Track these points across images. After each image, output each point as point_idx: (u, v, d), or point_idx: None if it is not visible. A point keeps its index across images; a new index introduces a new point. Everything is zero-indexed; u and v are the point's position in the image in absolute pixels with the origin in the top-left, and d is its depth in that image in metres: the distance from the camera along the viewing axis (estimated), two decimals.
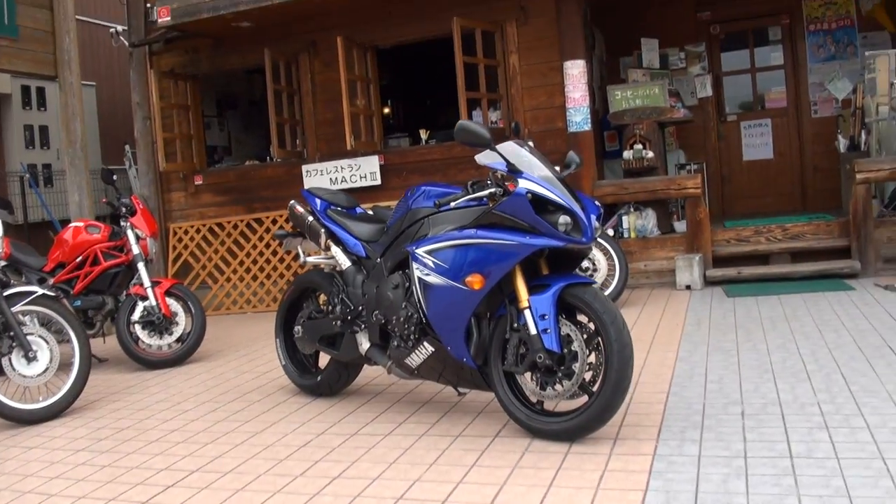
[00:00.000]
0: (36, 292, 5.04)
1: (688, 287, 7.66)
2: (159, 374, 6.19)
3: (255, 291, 9.42)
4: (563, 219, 3.60)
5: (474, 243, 3.73)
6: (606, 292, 6.96)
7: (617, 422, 3.83)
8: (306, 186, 8.55)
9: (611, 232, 8.08)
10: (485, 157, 3.82)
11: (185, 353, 6.45)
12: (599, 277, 6.98)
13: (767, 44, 10.13)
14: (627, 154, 8.27)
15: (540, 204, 3.62)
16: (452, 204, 3.91)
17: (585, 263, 6.96)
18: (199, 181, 9.86)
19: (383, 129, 9.27)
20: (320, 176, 9.05)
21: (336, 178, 8.99)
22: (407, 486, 3.31)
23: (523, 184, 3.64)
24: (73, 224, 6.69)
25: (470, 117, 8.15)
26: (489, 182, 3.83)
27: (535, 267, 3.84)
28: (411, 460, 3.63)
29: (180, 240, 9.83)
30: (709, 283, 7.79)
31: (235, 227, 9.54)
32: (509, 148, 3.79)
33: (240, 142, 12.42)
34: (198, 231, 9.74)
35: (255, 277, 9.40)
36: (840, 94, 9.47)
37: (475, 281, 3.69)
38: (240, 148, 12.24)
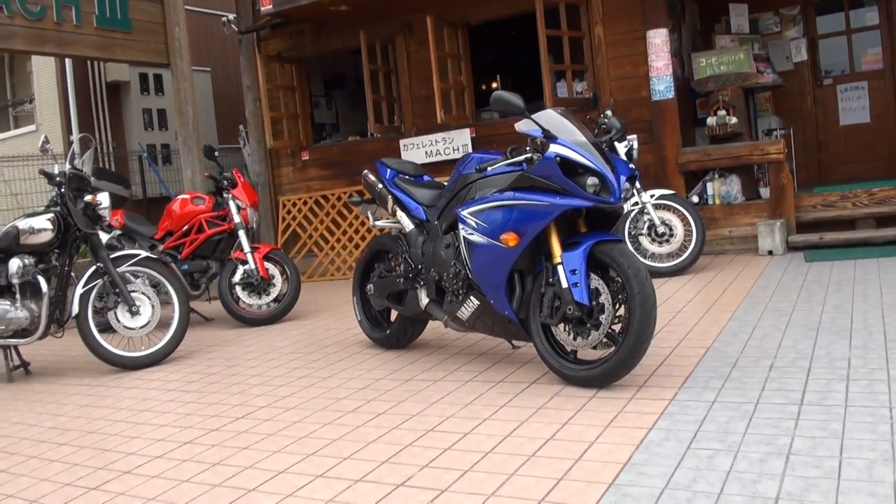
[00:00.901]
0: (140, 255, 5.70)
1: (770, 252, 7.71)
2: (256, 331, 6.82)
3: (357, 259, 9.95)
4: (592, 180, 3.88)
5: (511, 204, 4.07)
6: (682, 257, 7.14)
7: (648, 372, 4.12)
8: (404, 159, 9.01)
9: (695, 199, 8.22)
10: (523, 125, 4.15)
11: (280, 312, 7.05)
12: (676, 243, 7.15)
13: (863, 4, 9.88)
14: (711, 120, 8.33)
15: (571, 167, 3.92)
16: (489, 169, 4.26)
17: (662, 229, 7.15)
18: (305, 157, 10.51)
19: (476, 103, 9.60)
20: (416, 149, 9.50)
21: (431, 151, 9.42)
22: (440, 421, 3.72)
23: (553, 148, 3.94)
24: (180, 196, 7.37)
25: (554, 89, 8.40)
26: (527, 148, 4.15)
27: (574, 226, 4.15)
28: (451, 401, 4.03)
29: (289, 211, 10.50)
30: (791, 248, 7.81)
31: (339, 199, 10.12)
32: (545, 116, 4.10)
33: (347, 119, 13.04)
34: (305, 203, 10.39)
35: (357, 246, 9.95)
36: None
37: (510, 238, 4.02)
38: (347, 125, 12.85)
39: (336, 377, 4.81)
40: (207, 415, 4.28)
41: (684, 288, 6.52)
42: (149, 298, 5.65)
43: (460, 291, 4.44)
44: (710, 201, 8.30)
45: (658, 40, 8.16)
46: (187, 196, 7.33)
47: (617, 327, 3.97)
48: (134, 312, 5.57)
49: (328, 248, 10.19)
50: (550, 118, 4.08)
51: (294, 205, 10.50)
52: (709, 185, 8.29)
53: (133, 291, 5.60)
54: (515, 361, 4.69)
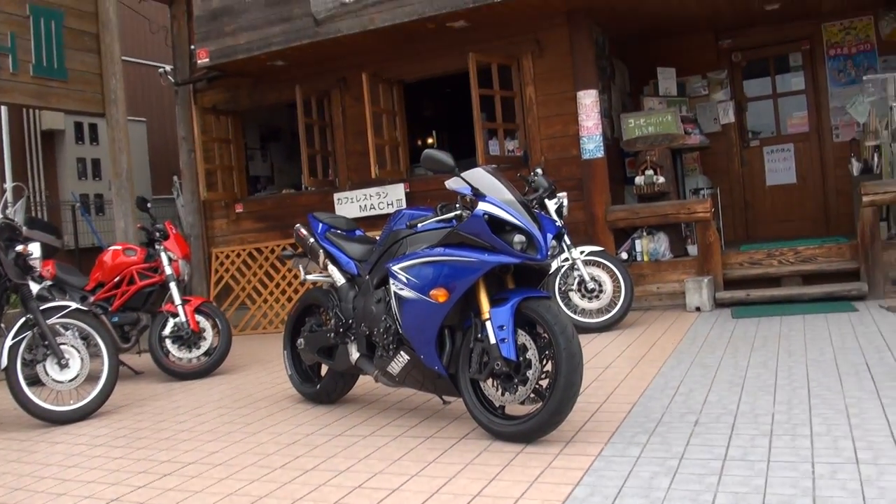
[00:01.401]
0: (70, 307, 5.61)
1: (697, 309, 7.89)
2: (185, 385, 6.72)
3: (289, 312, 9.92)
4: (519, 238, 3.96)
5: (440, 260, 4.12)
6: (611, 313, 7.26)
7: (575, 427, 4.17)
8: (337, 213, 9.04)
9: (624, 255, 8.40)
10: (453, 183, 4.22)
11: (211, 366, 6.97)
12: (605, 298, 7.28)
13: (789, 70, 10.34)
14: (639, 180, 8.57)
15: (499, 225, 4.00)
16: (420, 225, 4.33)
17: (591, 285, 7.27)
18: (239, 209, 10.49)
19: (410, 159, 9.71)
20: (350, 203, 9.55)
21: (365, 206, 9.48)
22: (368, 477, 3.71)
23: (481, 206, 4.02)
24: (112, 247, 7.29)
25: (487, 146, 8.56)
26: (457, 205, 4.23)
27: (503, 282, 4.21)
28: (380, 457, 4.02)
29: (222, 263, 10.43)
30: (718, 305, 8.00)
31: (273, 251, 10.10)
32: (474, 174, 4.17)
33: (282, 171, 13.07)
34: (238, 255, 10.34)
35: (290, 299, 9.91)
36: (861, 118, 9.56)
37: (440, 294, 4.07)
38: (282, 178, 12.88)
39: (265, 432, 4.77)
40: (135, 471, 4.20)
41: (613, 343, 6.63)
42: (78, 351, 5.55)
43: (391, 346, 4.46)
44: (639, 258, 8.49)
45: (588, 101, 8.39)
46: (119, 247, 7.25)
47: (544, 383, 4.01)
48: (63, 365, 5.46)
49: (261, 301, 10.13)
50: (479, 176, 4.16)
51: (227, 257, 10.44)
52: (637, 242, 8.48)
53: (63, 344, 5.50)
54: (445, 417, 4.71)
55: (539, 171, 7.40)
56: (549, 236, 4.07)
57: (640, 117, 8.88)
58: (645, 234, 8.46)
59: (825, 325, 6.55)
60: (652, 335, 6.82)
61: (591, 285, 7.28)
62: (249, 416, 5.28)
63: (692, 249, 8.48)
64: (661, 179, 8.45)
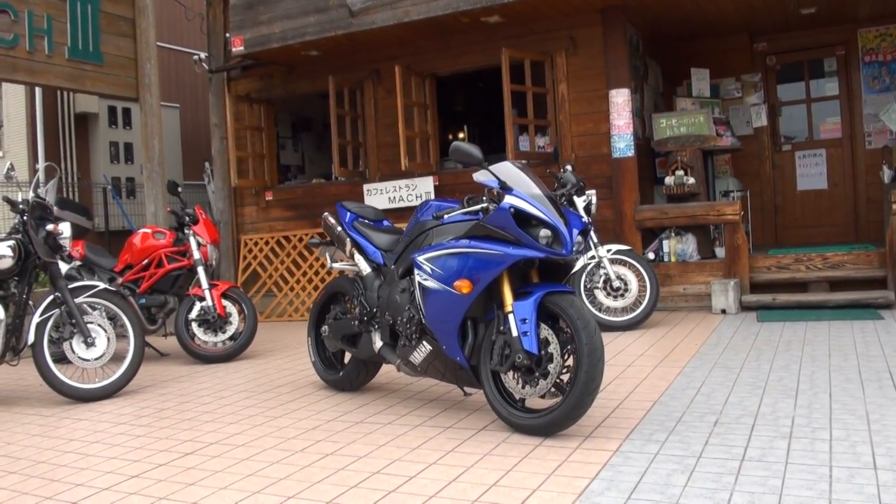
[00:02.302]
0: (98, 286, 5.70)
1: (723, 311, 7.86)
2: (210, 368, 6.80)
3: (315, 300, 9.99)
4: (544, 232, 3.98)
5: (465, 252, 4.14)
6: (636, 312, 7.25)
7: (594, 423, 4.18)
8: (364, 203, 9.09)
9: (651, 255, 8.38)
10: (480, 176, 4.24)
11: (236, 350, 7.05)
12: (630, 297, 7.27)
13: (823, 75, 10.26)
14: (669, 180, 8.54)
15: (525, 219, 4.01)
16: (446, 217, 4.35)
17: (617, 283, 7.27)
18: (269, 197, 10.58)
19: (440, 152, 9.74)
20: (380, 195, 9.59)
21: (394, 197, 9.52)
22: (386, 464, 3.75)
23: (508, 199, 4.03)
24: (141, 230, 7.37)
25: (517, 142, 8.56)
26: (484, 198, 4.25)
27: (527, 276, 4.23)
28: (398, 444, 4.07)
29: (250, 250, 10.53)
30: (744, 308, 7.96)
31: (301, 240, 10.18)
32: (502, 167, 4.19)
33: (312, 161, 13.15)
34: (266, 243, 10.43)
35: (316, 287, 9.98)
36: (894, 126, 9.47)
37: (463, 286, 4.09)
38: (312, 167, 12.96)
39: (286, 417, 4.82)
40: (157, 449, 4.27)
41: (637, 342, 6.63)
42: (105, 331, 5.64)
43: (414, 336, 4.49)
44: (666, 258, 8.46)
45: (620, 99, 8.37)
46: (149, 230, 7.34)
47: (565, 377, 4.03)
48: (89, 344, 5.54)
49: (287, 289, 10.21)
50: (507, 170, 4.18)
51: (255, 244, 10.54)
52: (665, 242, 8.46)
53: (89, 323, 5.59)
54: (466, 408, 4.74)
55: (568, 167, 7.40)
56: (575, 232, 4.07)
57: (672, 117, 8.83)
58: (673, 234, 8.43)
59: (850, 331, 6.50)
60: (676, 336, 6.81)
61: (616, 284, 7.27)
62: (272, 400, 5.34)
63: (720, 252, 8.44)
64: (691, 180, 8.42)
